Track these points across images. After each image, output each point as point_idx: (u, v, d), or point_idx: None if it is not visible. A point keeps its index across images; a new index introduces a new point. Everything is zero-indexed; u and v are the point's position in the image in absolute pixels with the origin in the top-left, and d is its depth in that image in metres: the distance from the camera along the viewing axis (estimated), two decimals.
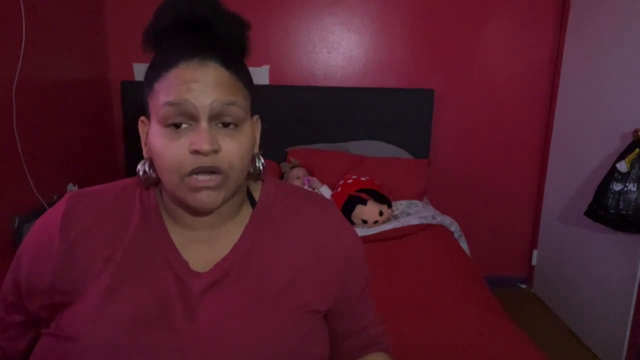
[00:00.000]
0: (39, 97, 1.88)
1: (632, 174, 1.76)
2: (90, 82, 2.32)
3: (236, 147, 0.61)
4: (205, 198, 0.60)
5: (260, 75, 2.56)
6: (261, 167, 0.71)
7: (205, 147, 0.57)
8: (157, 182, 0.69)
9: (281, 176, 2.30)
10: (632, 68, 1.91)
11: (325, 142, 2.54)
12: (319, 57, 2.60)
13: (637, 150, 1.76)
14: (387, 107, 2.55)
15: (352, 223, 2.02)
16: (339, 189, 2.12)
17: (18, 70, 1.71)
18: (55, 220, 0.64)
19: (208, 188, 0.60)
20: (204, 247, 0.67)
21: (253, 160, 0.70)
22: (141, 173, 0.67)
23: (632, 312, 1.88)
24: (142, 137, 0.67)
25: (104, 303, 0.60)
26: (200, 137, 0.58)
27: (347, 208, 2.00)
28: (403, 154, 2.53)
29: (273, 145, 2.52)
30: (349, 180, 2.13)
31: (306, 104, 2.54)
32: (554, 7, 2.50)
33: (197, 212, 0.65)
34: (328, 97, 2.54)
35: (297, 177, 2.22)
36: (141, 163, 0.67)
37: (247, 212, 0.71)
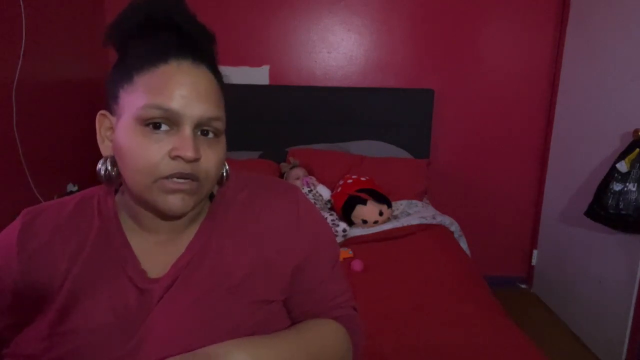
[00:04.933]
0: (39, 97, 1.88)
1: (632, 174, 1.76)
2: (90, 82, 2.33)
3: (215, 157, 0.60)
4: (177, 202, 0.58)
5: (260, 75, 2.56)
6: (225, 175, 0.68)
7: (190, 154, 0.56)
8: (118, 183, 0.66)
9: (281, 176, 2.30)
10: (632, 68, 1.91)
11: (325, 142, 2.54)
12: (319, 57, 2.60)
13: (637, 150, 1.76)
14: (387, 107, 2.55)
15: (352, 223, 2.02)
16: (339, 189, 2.12)
17: (18, 70, 1.71)
18: (12, 238, 0.62)
19: (183, 192, 0.58)
20: (164, 251, 0.65)
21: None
22: (102, 173, 0.63)
23: (632, 312, 1.88)
24: (101, 132, 0.63)
25: (60, 319, 0.58)
26: (184, 143, 0.56)
27: (347, 208, 2.00)
28: (403, 154, 2.53)
29: (273, 145, 2.52)
30: (349, 180, 2.13)
31: (306, 104, 2.54)
32: (554, 7, 2.50)
33: (164, 215, 0.63)
34: (328, 97, 2.54)
35: (297, 177, 2.22)
36: (101, 162, 0.63)
37: (206, 211, 0.70)
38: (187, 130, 0.57)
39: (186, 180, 0.58)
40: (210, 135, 0.60)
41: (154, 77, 0.56)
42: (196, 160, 0.57)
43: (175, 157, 0.56)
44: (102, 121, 0.63)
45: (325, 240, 0.74)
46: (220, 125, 0.61)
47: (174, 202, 0.58)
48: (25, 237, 0.62)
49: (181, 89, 0.56)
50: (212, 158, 0.60)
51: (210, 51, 0.63)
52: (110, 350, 0.57)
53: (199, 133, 0.59)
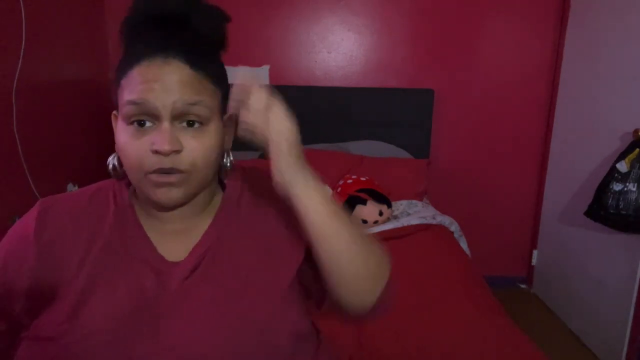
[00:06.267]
0: (39, 97, 1.88)
1: (632, 174, 1.76)
2: (90, 82, 2.32)
3: (199, 147, 0.61)
4: (166, 194, 0.61)
5: (260, 75, 2.56)
6: (228, 164, 0.71)
7: (166, 147, 0.58)
8: (126, 176, 0.69)
9: None
10: (632, 68, 1.91)
11: (325, 142, 2.54)
12: (319, 57, 2.60)
13: (637, 150, 1.76)
14: (387, 107, 2.55)
15: None
16: (339, 189, 2.13)
17: (18, 70, 1.71)
18: (30, 224, 0.64)
19: (170, 184, 0.61)
20: (179, 238, 0.68)
21: (224, 155, 0.70)
22: (110, 167, 0.68)
23: (632, 312, 1.88)
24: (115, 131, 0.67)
25: (80, 302, 0.60)
26: (161, 137, 0.59)
27: (347, 208, 2.00)
28: (403, 154, 2.53)
29: None
30: (349, 180, 2.13)
31: (306, 104, 2.54)
32: (554, 7, 2.50)
33: (162, 207, 0.66)
34: (328, 97, 2.54)
35: None
36: (112, 157, 0.68)
37: (219, 200, 0.72)
38: (165, 123, 0.59)
39: (171, 174, 0.60)
40: (196, 125, 0.62)
41: (130, 77, 0.60)
42: (175, 152, 0.59)
43: (154, 152, 0.59)
44: (114, 122, 0.68)
45: None
46: (202, 110, 0.61)
47: (163, 195, 0.61)
48: (42, 224, 0.64)
49: (150, 84, 0.59)
50: (196, 148, 0.61)
51: (197, 41, 0.63)
52: (130, 333, 0.59)
53: (184, 124, 0.61)
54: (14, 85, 1.69)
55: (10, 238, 0.65)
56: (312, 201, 0.63)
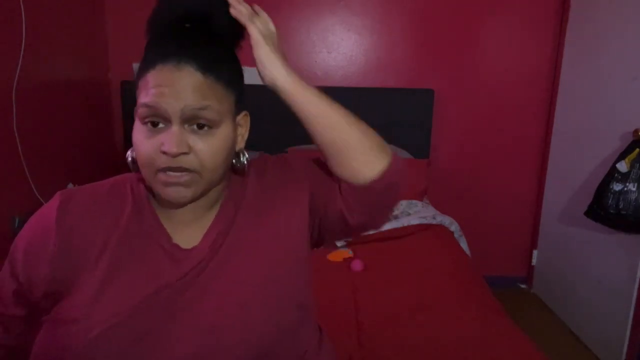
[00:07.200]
0: (39, 97, 1.88)
1: (632, 174, 1.76)
2: (90, 82, 2.32)
3: (207, 149, 0.64)
4: (174, 193, 0.64)
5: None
6: (245, 162, 0.73)
7: (173, 150, 0.61)
8: None
9: None
10: (632, 68, 1.91)
11: None
12: (319, 57, 2.60)
13: (637, 150, 1.76)
14: (387, 107, 2.54)
15: None
16: None
17: (18, 70, 1.71)
18: (51, 213, 0.66)
19: (178, 184, 0.63)
20: (191, 227, 0.71)
21: (238, 155, 0.73)
22: (129, 159, 0.70)
23: (632, 312, 1.88)
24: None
25: (101, 287, 0.63)
26: (169, 139, 0.61)
27: None
28: (403, 154, 2.53)
29: (273, 145, 2.52)
30: None
31: None
32: (554, 7, 2.50)
33: (172, 204, 0.68)
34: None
35: None
36: (130, 150, 0.70)
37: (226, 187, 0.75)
38: (174, 126, 0.62)
39: (180, 173, 0.63)
40: (205, 128, 0.64)
41: (145, 80, 0.63)
42: (182, 154, 0.62)
43: (163, 152, 0.62)
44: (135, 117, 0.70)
45: (313, 165, 0.80)
46: (210, 115, 0.63)
47: (171, 193, 0.64)
48: (63, 213, 0.66)
49: (162, 88, 0.61)
50: (204, 150, 0.63)
51: (208, 46, 0.66)
52: (148, 315, 0.63)
53: (195, 127, 0.63)
54: (14, 85, 1.69)
55: (31, 226, 0.68)
56: (300, 87, 0.72)
